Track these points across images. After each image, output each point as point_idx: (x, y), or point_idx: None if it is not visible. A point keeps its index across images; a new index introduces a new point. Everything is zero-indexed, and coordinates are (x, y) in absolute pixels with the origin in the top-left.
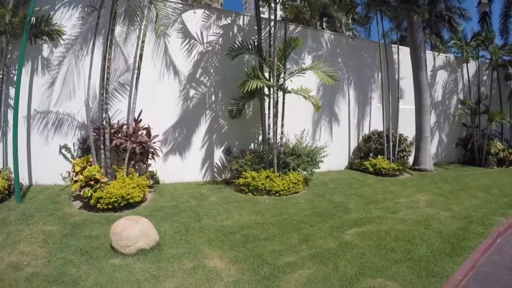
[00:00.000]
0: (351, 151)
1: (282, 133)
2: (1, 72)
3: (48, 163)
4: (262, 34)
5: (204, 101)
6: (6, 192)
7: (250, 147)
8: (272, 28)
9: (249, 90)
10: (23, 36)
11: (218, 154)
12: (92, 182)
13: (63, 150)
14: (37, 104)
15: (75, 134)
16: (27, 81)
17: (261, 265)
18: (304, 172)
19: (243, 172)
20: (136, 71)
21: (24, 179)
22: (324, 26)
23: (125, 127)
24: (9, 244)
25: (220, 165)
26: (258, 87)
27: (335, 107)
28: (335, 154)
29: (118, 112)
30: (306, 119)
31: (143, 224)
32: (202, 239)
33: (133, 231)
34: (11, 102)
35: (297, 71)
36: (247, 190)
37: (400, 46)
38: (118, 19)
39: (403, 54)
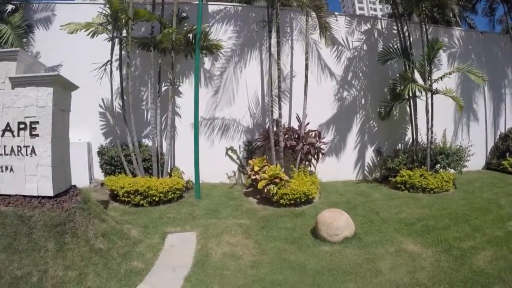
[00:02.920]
0: (488, 150)
1: (432, 133)
2: (170, 84)
3: (214, 164)
4: (397, 37)
5: (355, 103)
6: (184, 189)
7: (397, 147)
8: (409, 31)
9: (407, 92)
10: (195, 50)
11: (369, 154)
12: (277, 180)
13: (229, 152)
14: (203, 112)
15: (241, 137)
16: (191, 91)
17: (450, 248)
18: (452, 171)
19: (400, 171)
20: (304, 78)
21: (192, 178)
22: (434, 16)
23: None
24: (212, 236)
25: (371, 164)
26: (415, 90)
27: (472, 105)
28: (474, 154)
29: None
30: (446, 119)
31: (345, 216)
32: (389, 229)
33: (341, 221)
34: (177, 110)
35: (448, 74)
36: (403, 188)
37: None
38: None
39: None
